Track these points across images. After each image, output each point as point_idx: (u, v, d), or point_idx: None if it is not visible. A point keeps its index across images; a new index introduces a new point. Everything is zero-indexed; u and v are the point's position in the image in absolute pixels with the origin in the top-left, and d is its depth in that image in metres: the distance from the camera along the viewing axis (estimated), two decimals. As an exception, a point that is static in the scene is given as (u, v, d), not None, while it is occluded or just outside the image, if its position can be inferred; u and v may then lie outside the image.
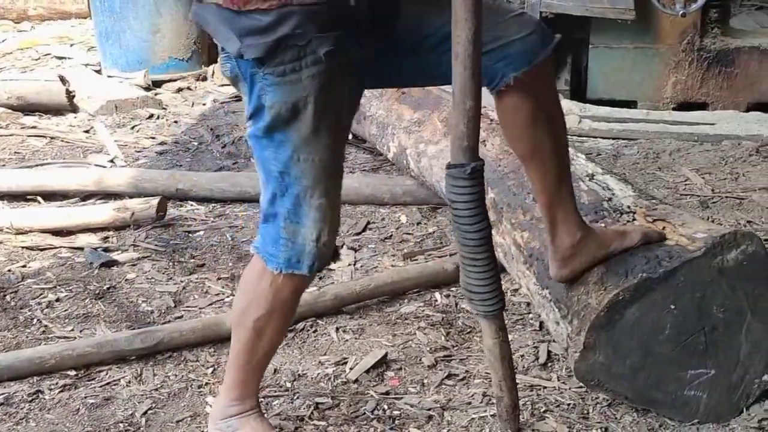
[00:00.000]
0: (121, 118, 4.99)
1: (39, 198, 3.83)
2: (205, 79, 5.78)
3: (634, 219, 2.42)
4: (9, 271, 3.20)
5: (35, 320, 2.89)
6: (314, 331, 2.78)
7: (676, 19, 4.60)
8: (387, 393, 2.48)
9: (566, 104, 4.45)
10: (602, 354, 2.23)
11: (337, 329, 2.80)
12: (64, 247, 3.39)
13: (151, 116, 5.05)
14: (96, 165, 4.23)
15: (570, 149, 2.21)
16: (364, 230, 3.50)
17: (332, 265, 3.15)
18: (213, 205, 3.78)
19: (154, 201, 3.56)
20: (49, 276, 3.17)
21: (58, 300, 3.00)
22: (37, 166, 4.22)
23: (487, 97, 1.98)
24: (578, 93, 4.92)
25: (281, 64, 1.83)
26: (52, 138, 4.67)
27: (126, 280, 3.14)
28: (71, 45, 6.59)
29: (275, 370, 2.57)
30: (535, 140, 2.04)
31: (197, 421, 2.38)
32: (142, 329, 2.71)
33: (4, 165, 4.26)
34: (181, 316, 2.91)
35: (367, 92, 2.23)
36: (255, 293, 2.07)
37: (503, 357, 2.01)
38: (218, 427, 2.19)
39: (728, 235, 2.23)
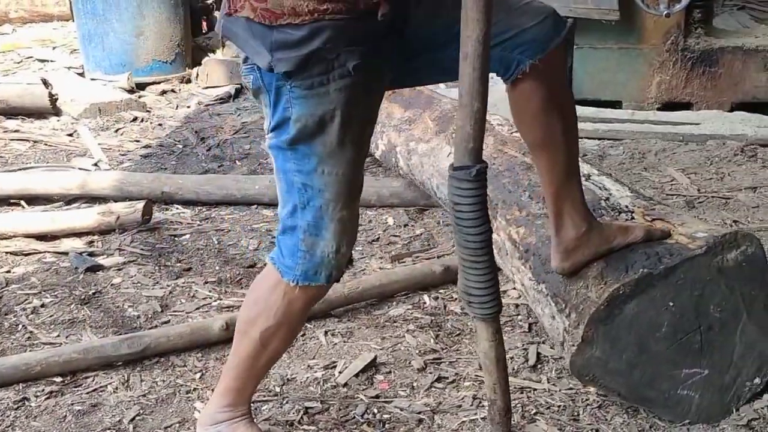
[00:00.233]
0: (104, 121, 4.96)
1: (22, 202, 3.80)
2: (189, 81, 5.76)
3: (632, 218, 2.42)
4: (-7, 276, 3.17)
5: (20, 326, 2.86)
6: (303, 335, 2.76)
7: (660, 20, 4.62)
8: (377, 397, 2.47)
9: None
10: (599, 348, 2.24)
11: (326, 333, 2.79)
12: (49, 251, 3.36)
13: (135, 119, 5.03)
14: (80, 168, 4.20)
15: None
16: (351, 232, 3.49)
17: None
18: (199, 208, 3.76)
19: (140, 204, 3.54)
20: (33, 281, 3.14)
21: (43, 305, 2.98)
22: (20, 170, 4.18)
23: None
24: (564, 93, 4.92)
25: (310, 77, 1.83)
26: (35, 142, 4.64)
27: (112, 284, 3.12)
28: (53, 48, 6.56)
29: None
30: (547, 128, 2.05)
31: (186, 427, 2.36)
32: (129, 334, 2.69)
33: (-14, 169, 4.23)
34: (168, 321, 2.89)
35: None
36: (266, 304, 2.05)
37: (498, 360, 2.00)
38: (207, 433, 2.18)
39: (729, 235, 2.25)
